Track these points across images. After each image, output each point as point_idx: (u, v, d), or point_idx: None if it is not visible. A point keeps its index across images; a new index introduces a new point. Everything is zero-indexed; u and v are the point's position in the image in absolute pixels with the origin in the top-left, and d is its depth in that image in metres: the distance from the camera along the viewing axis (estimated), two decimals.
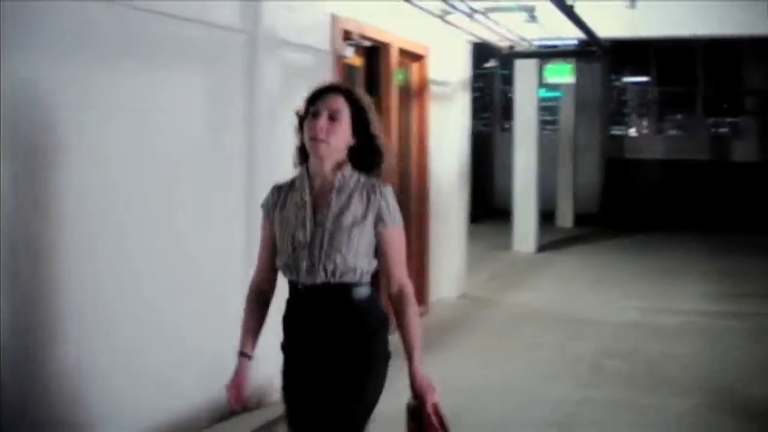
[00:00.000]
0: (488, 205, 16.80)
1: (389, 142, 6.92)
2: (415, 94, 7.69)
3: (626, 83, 20.05)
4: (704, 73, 18.15)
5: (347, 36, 6.09)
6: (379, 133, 2.85)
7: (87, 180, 3.81)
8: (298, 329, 2.81)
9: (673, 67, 18.32)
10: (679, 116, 19.98)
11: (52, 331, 3.67)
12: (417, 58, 7.61)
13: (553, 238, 13.27)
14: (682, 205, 16.65)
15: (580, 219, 15.50)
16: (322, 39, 5.78)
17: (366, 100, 2.84)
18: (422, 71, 7.73)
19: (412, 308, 2.76)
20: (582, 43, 8.99)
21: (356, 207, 2.74)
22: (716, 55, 17.33)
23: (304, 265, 2.72)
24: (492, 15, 6.98)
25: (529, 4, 6.66)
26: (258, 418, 4.79)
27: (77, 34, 3.72)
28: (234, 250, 4.88)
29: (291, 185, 2.87)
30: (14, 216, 3.43)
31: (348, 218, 2.72)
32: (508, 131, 17.86)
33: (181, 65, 4.49)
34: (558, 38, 8.22)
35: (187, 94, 4.54)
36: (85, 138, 3.80)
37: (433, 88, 7.89)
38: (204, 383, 4.46)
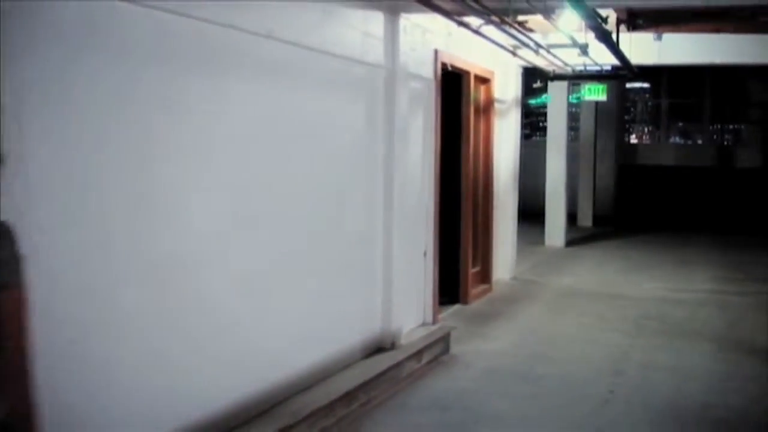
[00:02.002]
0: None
1: (468, 150, 8.69)
2: (483, 110, 9.42)
3: (638, 92, 21.71)
4: (711, 86, 19.90)
5: (444, 67, 7.84)
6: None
7: (288, 182, 5.53)
8: None
9: (683, 81, 20.02)
10: (687, 126, 21.72)
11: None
12: (485, 81, 9.36)
13: (577, 235, 15.01)
14: (690, 208, 18.39)
15: (597, 219, 17.25)
16: (429, 70, 7.52)
17: None
18: (488, 91, 9.48)
19: None
20: (614, 68, 10.70)
21: None
22: (723, 70, 19.01)
23: None
24: (552, 50, 8.72)
25: (583, 42, 8.37)
26: (390, 357, 6.44)
27: (274, 70, 5.41)
28: (377, 227, 6.60)
29: None
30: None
31: None
32: (529, 139, 19.67)
33: (350, 92, 6.22)
34: (596, 64, 9.94)
35: (354, 114, 6.28)
36: (286, 151, 5.52)
37: (495, 105, 9.64)
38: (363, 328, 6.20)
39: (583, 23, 7.68)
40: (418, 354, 6.11)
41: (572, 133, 18.59)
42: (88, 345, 3.59)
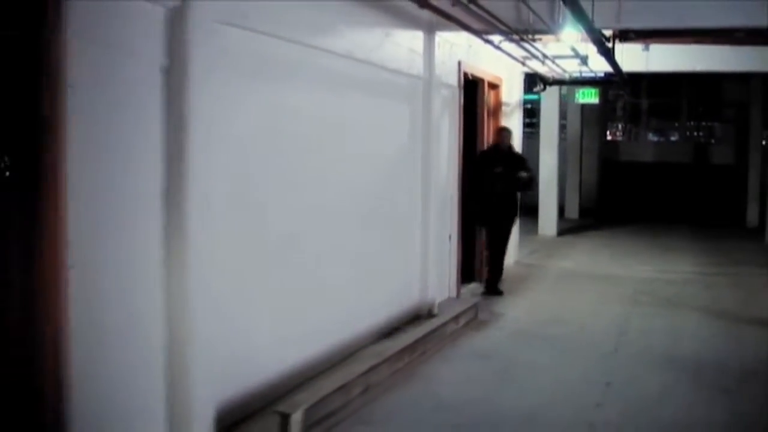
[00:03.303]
0: None
1: (484, 147, 9.87)
2: (493, 112, 10.64)
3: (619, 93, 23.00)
4: (688, 87, 21.28)
5: (465, 76, 9.05)
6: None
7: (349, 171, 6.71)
8: None
9: (662, 82, 21.34)
10: (665, 124, 23.12)
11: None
12: (495, 86, 10.58)
13: (566, 226, 16.28)
14: (668, 201, 19.75)
15: (583, 212, 18.56)
16: (454, 79, 8.72)
17: None
18: (497, 96, 10.71)
19: None
20: (607, 75, 11.97)
21: None
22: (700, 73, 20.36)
23: None
24: (557, 60, 9.96)
25: (583, 54, 9.63)
26: (435, 320, 7.64)
27: (348, 82, 6.58)
28: (416, 213, 7.80)
29: None
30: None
31: None
32: None
33: (398, 99, 7.41)
34: (591, 71, 11.20)
35: (399, 117, 7.47)
36: (351, 149, 6.71)
37: (503, 108, 10.86)
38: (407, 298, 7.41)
39: (582, 36, 8.91)
40: (456, 318, 7.31)
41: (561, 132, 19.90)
42: (249, 302, 4.78)
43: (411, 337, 6.33)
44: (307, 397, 4.74)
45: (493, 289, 9.29)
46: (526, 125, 16.86)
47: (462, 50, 8.82)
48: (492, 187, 9.07)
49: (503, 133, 9.54)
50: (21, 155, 3.38)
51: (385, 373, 5.59)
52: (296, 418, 4.47)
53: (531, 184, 9.50)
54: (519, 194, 9.46)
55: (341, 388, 5.01)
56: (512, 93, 11.37)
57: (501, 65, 10.40)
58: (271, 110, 5.20)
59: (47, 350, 3.40)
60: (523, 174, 9.15)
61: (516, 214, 9.51)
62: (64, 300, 3.46)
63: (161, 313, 4.17)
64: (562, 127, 19.41)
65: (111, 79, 3.84)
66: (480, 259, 10.03)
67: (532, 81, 12.32)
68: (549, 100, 14.89)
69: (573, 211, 18.57)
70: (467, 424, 5.02)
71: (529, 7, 7.26)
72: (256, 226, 5.05)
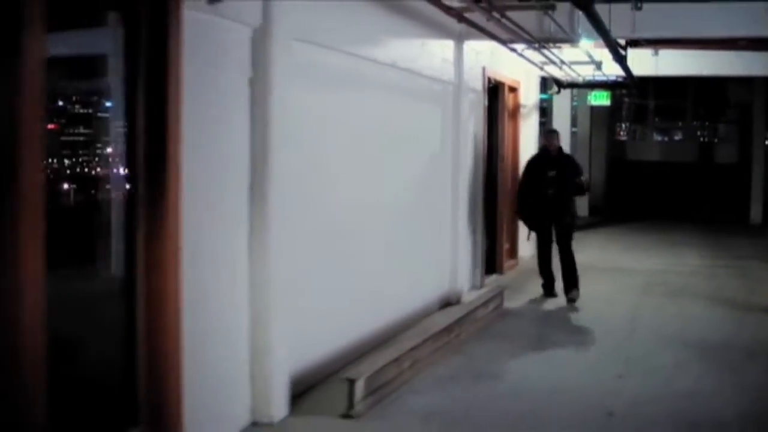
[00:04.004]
0: None
1: (504, 148, 10.62)
2: (512, 114, 11.32)
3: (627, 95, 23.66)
4: (694, 88, 21.93)
5: (489, 81, 9.73)
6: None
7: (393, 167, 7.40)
8: None
9: (668, 84, 21.95)
10: (671, 124, 23.77)
11: None
12: (514, 90, 11.26)
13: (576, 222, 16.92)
14: (674, 199, 20.35)
15: (591, 209, 19.20)
16: (479, 83, 9.40)
17: None
18: (516, 98, 11.38)
19: None
20: (619, 78, 12.65)
21: None
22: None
23: None
24: (573, 66, 10.65)
25: (598, 59, 10.33)
26: (466, 305, 8.31)
27: (391, 88, 7.27)
28: (447, 209, 8.48)
29: None
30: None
31: None
32: None
33: (432, 103, 8.10)
34: (603, 74, 11.88)
35: (435, 118, 8.15)
36: (393, 149, 7.40)
37: (521, 110, 11.54)
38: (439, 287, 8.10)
39: (597, 43, 9.58)
40: (485, 304, 7.98)
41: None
42: (314, 286, 5.47)
43: (447, 319, 7.01)
44: (366, 368, 5.40)
45: (550, 291, 9.19)
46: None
47: (486, 57, 9.51)
48: (544, 191, 8.82)
49: (551, 135, 9.35)
50: (151, 152, 4.04)
51: (428, 350, 6.25)
52: (360, 384, 5.13)
53: (584, 187, 9.17)
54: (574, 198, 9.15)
55: (393, 362, 5.67)
56: (529, 95, 12.04)
57: (520, 70, 11.07)
58: (331, 115, 5.89)
59: (169, 324, 4.07)
60: (582, 178, 8.97)
61: (573, 217, 9.19)
62: (179, 279, 4.12)
63: (246, 293, 4.84)
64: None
65: (208, 90, 4.52)
66: (500, 253, 10.71)
67: (546, 82, 13.01)
68: (561, 101, 15.57)
69: (582, 209, 19.15)
70: (505, 392, 5.70)
71: (553, 19, 7.93)
72: (321, 218, 5.74)
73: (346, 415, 5.03)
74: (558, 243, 9.01)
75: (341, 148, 6.06)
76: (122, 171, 4.24)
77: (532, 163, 9.27)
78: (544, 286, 9.27)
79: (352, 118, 6.23)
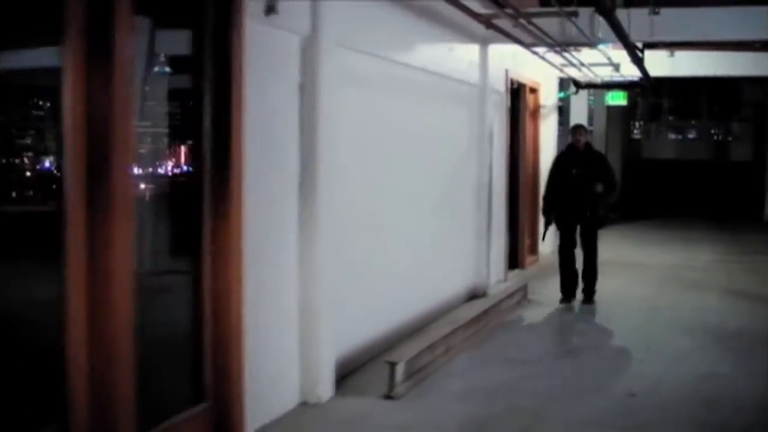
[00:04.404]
0: None
1: (525, 148, 11.04)
2: (532, 114, 11.71)
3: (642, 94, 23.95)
4: (708, 87, 22.22)
5: (511, 83, 10.12)
6: None
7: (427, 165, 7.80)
8: None
9: (683, 83, 22.22)
10: (686, 123, 24.07)
11: None
12: (534, 91, 11.64)
13: None
14: (688, 196, 20.69)
15: (607, 207, 19.53)
16: (501, 85, 9.79)
17: None
18: (536, 99, 11.77)
19: None
20: (636, 79, 13.02)
21: None
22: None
23: None
24: (592, 67, 11.05)
25: (616, 61, 10.73)
26: (492, 297, 8.69)
27: (421, 90, 7.67)
28: (472, 201, 8.88)
29: None
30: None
31: None
32: None
33: (459, 104, 8.50)
34: (620, 75, 12.26)
35: (462, 119, 8.56)
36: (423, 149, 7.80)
37: (540, 110, 11.93)
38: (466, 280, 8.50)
39: (615, 45, 9.95)
40: (510, 296, 8.38)
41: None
42: (356, 277, 5.88)
43: (476, 309, 7.42)
44: (406, 353, 5.81)
45: (567, 295, 8.80)
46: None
47: (508, 60, 9.90)
48: (569, 189, 8.51)
49: (578, 131, 8.80)
50: (217, 151, 4.46)
51: (460, 337, 6.65)
52: (401, 367, 5.53)
53: (612, 187, 8.82)
54: (601, 196, 8.67)
55: (428, 348, 6.07)
56: (549, 96, 12.43)
57: (539, 71, 11.46)
58: (369, 116, 6.30)
59: (232, 308, 4.48)
60: (607, 179, 8.62)
61: (597, 216, 8.75)
62: (242, 273, 4.52)
63: (296, 284, 5.24)
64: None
65: (263, 95, 4.92)
66: (522, 248, 11.10)
67: (563, 82, 13.39)
68: (578, 101, 15.91)
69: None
70: (533, 374, 6.09)
71: (575, 24, 8.31)
72: (362, 214, 6.15)
73: (388, 396, 5.42)
74: (581, 243, 8.77)
75: (378, 147, 6.46)
76: (187, 168, 4.67)
77: (558, 160, 8.98)
78: (562, 290, 8.80)
79: (387, 119, 6.63)
